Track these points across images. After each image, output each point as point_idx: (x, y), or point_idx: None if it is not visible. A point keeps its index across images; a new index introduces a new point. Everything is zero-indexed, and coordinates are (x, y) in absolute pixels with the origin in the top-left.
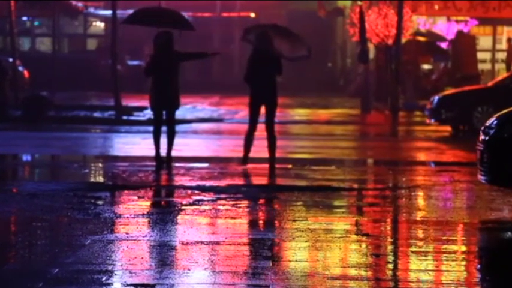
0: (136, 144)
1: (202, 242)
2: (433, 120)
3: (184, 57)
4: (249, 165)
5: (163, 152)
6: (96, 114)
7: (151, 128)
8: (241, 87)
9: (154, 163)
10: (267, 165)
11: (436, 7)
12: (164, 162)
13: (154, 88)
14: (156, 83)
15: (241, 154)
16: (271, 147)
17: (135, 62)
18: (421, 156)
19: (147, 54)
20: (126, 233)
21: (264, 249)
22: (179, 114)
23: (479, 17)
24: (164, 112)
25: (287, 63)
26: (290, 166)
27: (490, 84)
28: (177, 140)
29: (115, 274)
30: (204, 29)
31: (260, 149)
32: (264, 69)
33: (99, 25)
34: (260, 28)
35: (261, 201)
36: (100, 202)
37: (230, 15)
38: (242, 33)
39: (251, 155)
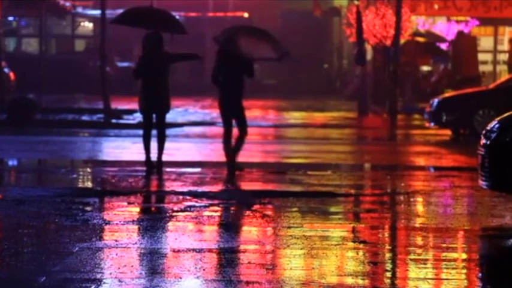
0: (126, 149)
1: (194, 250)
2: (432, 124)
3: (174, 58)
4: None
5: (153, 156)
6: (85, 118)
7: (141, 132)
8: None
9: (144, 168)
10: (261, 171)
11: (436, 7)
12: (154, 167)
13: (143, 90)
14: (145, 85)
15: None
16: (236, 149)
17: (125, 64)
18: (420, 161)
19: (137, 56)
20: (116, 240)
21: (258, 257)
22: (170, 117)
23: (480, 17)
24: (154, 115)
25: (281, 65)
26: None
27: (491, 86)
28: (168, 144)
29: (104, 283)
30: (196, 29)
31: (254, 153)
32: (232, 71)
33: (88, 25)
34: (233, 30)
35: (255, 207)
36: (88, 208)
37: (223, 15)
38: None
39: (243, 159)
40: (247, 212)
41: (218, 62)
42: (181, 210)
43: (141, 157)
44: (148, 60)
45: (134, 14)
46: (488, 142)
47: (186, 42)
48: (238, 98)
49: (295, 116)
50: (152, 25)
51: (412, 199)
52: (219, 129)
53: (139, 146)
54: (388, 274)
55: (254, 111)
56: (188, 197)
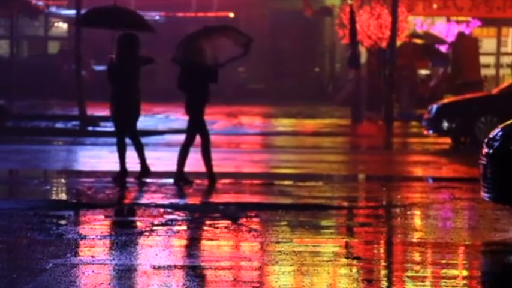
0: (103, 158)
1: (175, 266)
2: (431, 131)
3: (147, 61)
4: (226, 181)
5: (132, 166)
6: (59, 125)
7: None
8: (217, 94)
9: (122, 179)
10: (247, 182)
11: (435, 6)
12: (126, 175)
13: (113, 96)
14: (116, 91)
15: (219, 169)
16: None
17: (102, 67)
18: (418, 171)
19: (110, 58)
20: (92, 256)
21: (244, 274)
22: (150, 124)
23: (482, 17)
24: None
25: (269, 69)
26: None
27: (494, 91)
28: (149, 153)
29: None
30: (178, 30)
31: (240, 163)
32: (196, 78)
33: (62, 26)
34: (188, 39)
35: (241, 220)
36: (63, 222)
37: (207, 15)
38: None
39: (229, 169)
40: (233, 226)
41: (181, 70)
42: (162, 224)
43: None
44: (121, 64)
45: (96, 15)
46: (491, 151)
47: (165, 44)
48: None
49: (284, 123)
50: (117, 25)
51: (409, 212)
52: None
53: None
54: None
55: (240, 118)
56: (169, 210)
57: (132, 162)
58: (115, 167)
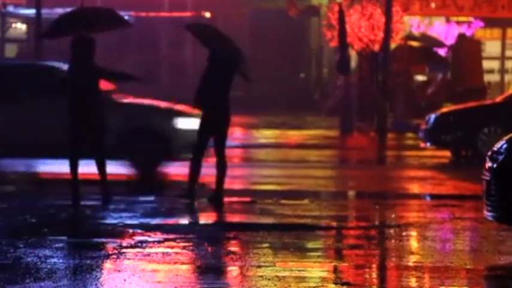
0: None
1: None
2: (428, 144)
3: (103, 73)
4: (202, 199)
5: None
6: None
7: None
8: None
9: (92, 196)
10: (225, 199)
11: (433, 5)
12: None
13: (72, 109)
14: (74, 102)
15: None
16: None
17: None
18: (414, 188)
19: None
20: (53, 282)
21: None
22: None
23: (486, 17)
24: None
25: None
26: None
27: (498, 99)
28: (116, 167)
29: None
30: (149, 31)
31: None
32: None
33: (21, 27)
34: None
35: (219, 242)
36: (21, 244)
37: (181, 14)
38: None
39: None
40: (210, 249)
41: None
42: (131, 246)
43: (85, 183)
44: (78, 71)
45: (66, 22)
46: (495, 165)
47: (137, 46)
48: None
49: (266, 135)
50: (87, 27)
51: (404, 233)
52: None
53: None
54: None
55: None
56: (139, 231)
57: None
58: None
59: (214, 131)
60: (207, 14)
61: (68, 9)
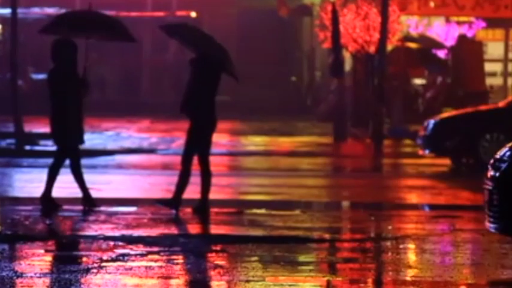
0: (42, 182)
1: None
2: (427, 151)
3: (81, 85)
4: (188, 209)
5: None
6: None
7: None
8: (176, 108)
9: (70, 207)
10: (212, 210)
11: (432, 4)
12: (56, 206)
13: (58, 118)
14: (62, 110)
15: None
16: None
17: (42, 76)
18: (412, 198)
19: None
20: None
21: None
22: (98, 143)
23: (488, 17)
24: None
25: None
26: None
27: (501, 104)
28: (95, 177)
29: None
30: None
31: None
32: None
33: None
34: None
35: (205, 255)
36: None
37: (165, 15)
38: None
39: (189, 195)
40: (196, 262)
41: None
42: (112, 260)
43: (62, 192)
44: (64, 76)
45: (73, 20)
46: (498, 174)
47: (117, 50)
48: None
49: (255, 142)
50: (93, 32)
51: (401, 246)
52: (160, 158)
53: (61, 178)
54: None
55: None
56: (121, 243)
57: (65, 187)
58: (57, 192)
59: (201, 139)
60: (193, 14)
61: (46, 9)
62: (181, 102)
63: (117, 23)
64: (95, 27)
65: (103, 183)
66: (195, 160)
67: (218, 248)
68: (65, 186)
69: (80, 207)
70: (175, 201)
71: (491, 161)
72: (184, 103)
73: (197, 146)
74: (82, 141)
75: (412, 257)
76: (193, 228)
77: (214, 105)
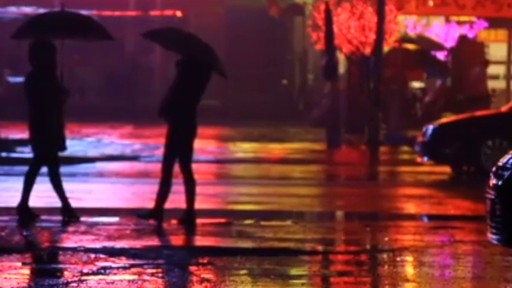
0: (19, 191)
1: None
2: (425, 158)
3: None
4: (173, 220)
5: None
6: None
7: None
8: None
9: (48, 217)
10: (198, 220)
11: (431, 3)
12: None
13: (40, 123)
14: (44, 115)
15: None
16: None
17: (19, 79)
18: (410, 208)
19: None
20: None
21: None
22: (79, 150)
23: (490, 16)
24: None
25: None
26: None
27: (504, 108)
28: (75, 186)
29: None
30: (113, 33)
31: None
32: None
33: None
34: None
35: (191, 268)
36: None
37: (149, 14)
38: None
39: (171, 205)
40: (181, 276)
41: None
42: (93, 273)
43: (41, 202)
44: (43, 79)
45: (41, 23)
46: (500, 183)
47: (99, 50)
48: None
49: (244, 148)
50: (62, 32)
51: (399, 258)
52: (143, 166)
53: (38, 187)
54: None
55: None
56: (102, 256)
57: (43, 196)
58: (36, 202)
59: (181, 145)
60: (178, 13)
61: (23, 8)
62: (161, 106)
63: (91, 21)
64: (69, 27)
65: (83, 192)
66: (178, 168)
67: (205, 260)
68: (43, 195)
69: (59, 218)
70: (157, 211)
71: (494, 169)
72: (164, 106)
73: (177, 152)
74: (64, 148)
75: (410, 270)
76: (179, 240)
77: (196, 111)
